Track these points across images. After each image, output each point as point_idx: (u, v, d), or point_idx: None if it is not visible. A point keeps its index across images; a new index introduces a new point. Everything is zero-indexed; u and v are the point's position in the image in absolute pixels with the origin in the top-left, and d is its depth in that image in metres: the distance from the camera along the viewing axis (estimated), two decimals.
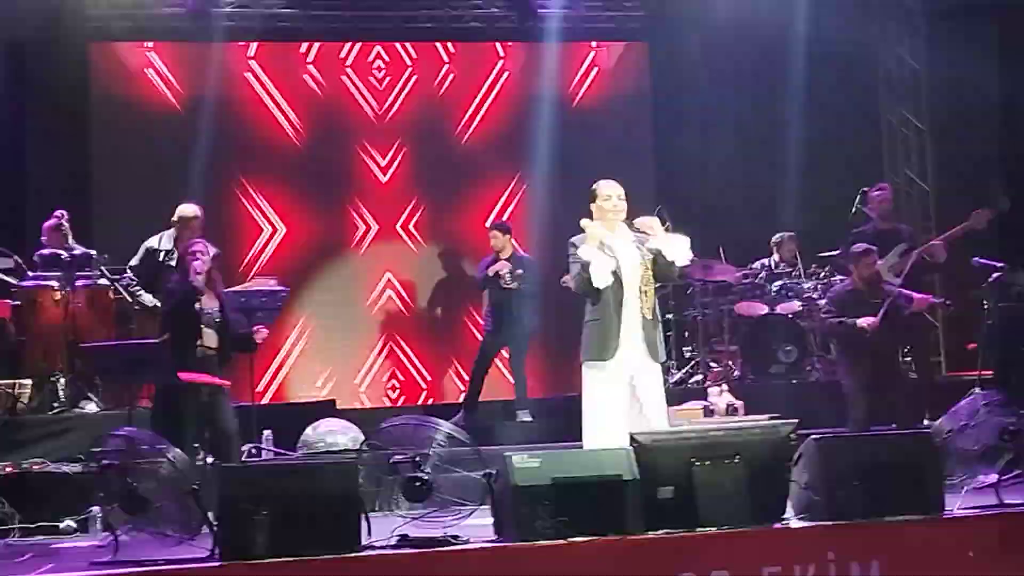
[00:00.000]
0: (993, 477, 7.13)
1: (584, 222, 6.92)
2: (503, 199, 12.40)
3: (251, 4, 12.03)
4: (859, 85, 12.58)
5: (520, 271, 10.16)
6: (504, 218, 11.41)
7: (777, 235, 11.45)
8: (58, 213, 9.92)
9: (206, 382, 7.88)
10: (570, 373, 11.05)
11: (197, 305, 7.90)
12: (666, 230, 11.08)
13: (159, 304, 8.99)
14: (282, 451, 9.18)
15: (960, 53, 11.96)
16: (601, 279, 6.78)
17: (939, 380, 10.06)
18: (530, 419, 10.12)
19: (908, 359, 10.11)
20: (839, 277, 11.15)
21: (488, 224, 10.71)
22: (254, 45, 12.14)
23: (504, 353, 10.64)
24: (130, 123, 11.79)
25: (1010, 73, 11.51)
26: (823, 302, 9.69)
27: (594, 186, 7.07)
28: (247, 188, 12.02)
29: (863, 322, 8.83)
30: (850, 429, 8.69)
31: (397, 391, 12.08)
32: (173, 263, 9.08)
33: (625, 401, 6.82)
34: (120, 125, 11.77)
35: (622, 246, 6.92)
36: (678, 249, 6.97)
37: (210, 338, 7.96)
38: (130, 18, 11.81)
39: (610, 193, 6.98)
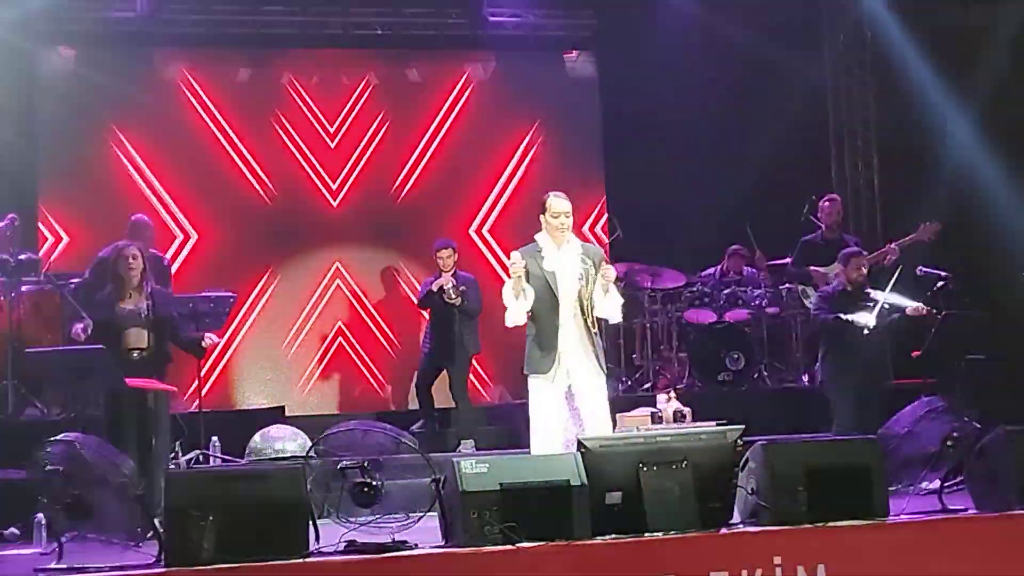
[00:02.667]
0: (936, 483, 7.23)
1: (513, 255, 7.06)
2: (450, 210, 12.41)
3: (200, 11, 11.97)
4: (809, 94, 12.70)
5: (464, 288, 9.91)
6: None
7: (732, 246, 11.61)
8: (10, 216, 9.84)
9: (153, 388, 7.83)
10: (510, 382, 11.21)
11: (120, 305, 7.84)
12: (616, 239, 11.23)
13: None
14: (229, 458, 9.13)
15: (907, 64, 12.12)
16: (511, 322, 7.06)
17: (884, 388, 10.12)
18: (473, 450, 9.70)
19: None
20: (787, 285, 11.29)
21: (436, 244, 10.29)
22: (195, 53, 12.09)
23: (445, 375, 10.26)
24: (78, 131, 11.69)
25: (953, 84, 11.66)
26: (813, 300, 9.62)
27: (545, 198, 7.21)
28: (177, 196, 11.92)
29: (861, 319, 8.87)
30: (835, 434, 8.73)
31: (346, 397, 12.04)
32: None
33: (566, 410, 7.00)
34: (67, 133, 11.66)
35: (564, 260, 7.08)
36: (609, 306, 7.15)
37: (139, 338, 7.88)
38: (77, 22, 11.71)
39: (558, 211, 7.12)
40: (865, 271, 9.24)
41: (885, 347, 9.46)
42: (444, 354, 10.07)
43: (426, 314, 10.49)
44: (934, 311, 9.26)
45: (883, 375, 9.26)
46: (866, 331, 8.84)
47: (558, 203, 7.12)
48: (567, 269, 7.06)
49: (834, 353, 9.13)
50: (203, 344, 8.30)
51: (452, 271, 10.05)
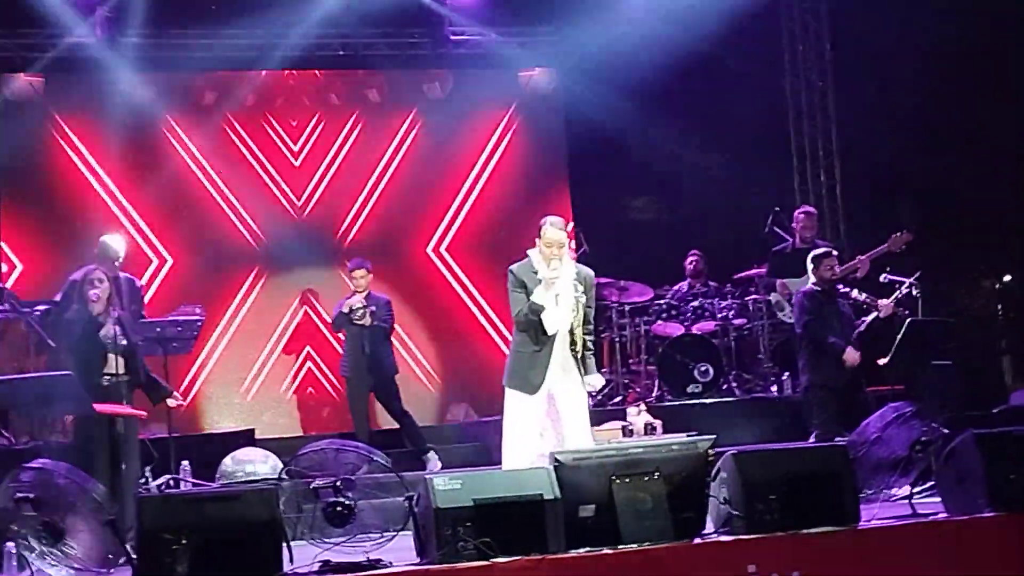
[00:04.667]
0: (907, 488, 7.27)
1: (531, 252, 7.09)
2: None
3: (160, 35, 11.96)
4: (769, 106, 12.80)
5: (374, 308, 9.81)
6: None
7: (689, 255, 11.68)
8: None
9: (121, 413, 7.77)
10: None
11: (101, 333, 7.78)
12: (583, 252, 11.26)
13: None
14: (200, 482, 9.07)
15: (866, 73, 12.24)
16: (554, 326, 6.98)
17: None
18: (440, 464, 9.65)
19: None
20: (752, 297, 11.35)
21: (350, 264, 10.19)
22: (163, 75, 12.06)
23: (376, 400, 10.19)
24: (36, 155, 11.64)
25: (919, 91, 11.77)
26: (794, 307, 9.60)
27: (542, 224, 7.16)
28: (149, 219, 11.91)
29: (849, 357, 8.91)
30: (817, 438, 8.75)
31: (316, 419, 12.00)
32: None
33: (543, 423, 7.02)
34: (25, 158, 11.60)
35: (559, 284, 7.06)
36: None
37: (108, 363, 7.82)
38: (37, 48, 11.67)
39: (552, 241, 7.07)
40: (837, 270, 9.29)
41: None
42: (363, 376, 9.91)
43: (342, 336, 10.27)
44: (902, 310, 9.35)
45: (864, 383, 9.29)
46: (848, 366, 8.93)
47: (552, 233, 7.07)
48: (563, 293, 7.05)
49: (818, 360, 9.11)
50: (169, 403, 8.14)
51: (366, 292, 9.93)
